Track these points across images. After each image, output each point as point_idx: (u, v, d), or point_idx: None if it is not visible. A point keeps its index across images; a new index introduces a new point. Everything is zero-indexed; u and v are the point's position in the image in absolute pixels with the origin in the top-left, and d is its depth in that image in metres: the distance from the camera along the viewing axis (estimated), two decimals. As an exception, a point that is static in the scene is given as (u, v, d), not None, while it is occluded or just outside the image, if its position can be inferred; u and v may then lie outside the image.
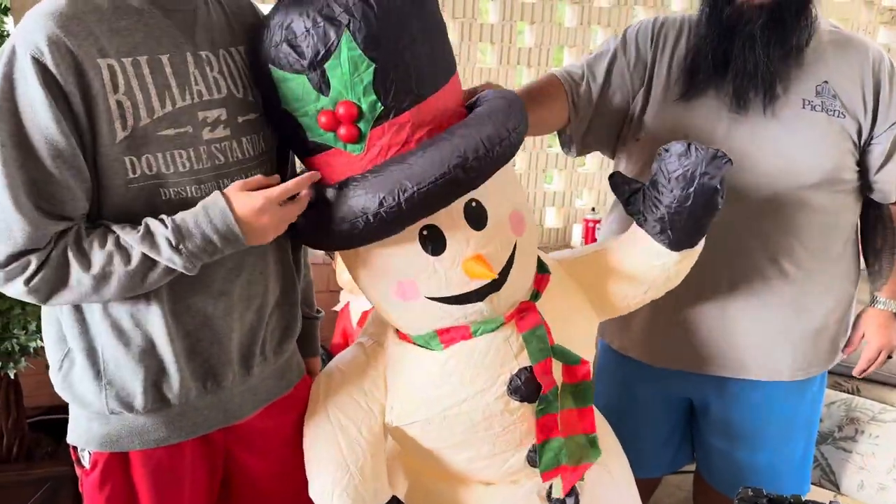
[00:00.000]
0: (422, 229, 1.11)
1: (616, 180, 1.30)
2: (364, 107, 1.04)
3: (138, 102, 0.97)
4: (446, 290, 1.14)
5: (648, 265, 1.28)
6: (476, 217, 1.13)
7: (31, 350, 1.82)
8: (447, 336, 1.20)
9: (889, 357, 1.52)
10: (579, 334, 1.30)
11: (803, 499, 1.22)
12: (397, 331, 1.27)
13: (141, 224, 0.98)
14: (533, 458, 1.27)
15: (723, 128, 1.39)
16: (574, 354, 1.24)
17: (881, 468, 1.90)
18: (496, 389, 1.20)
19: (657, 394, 1.61)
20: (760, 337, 1.48)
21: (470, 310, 1.16)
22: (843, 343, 1.55)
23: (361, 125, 1.06)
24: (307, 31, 1.01)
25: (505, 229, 1.17)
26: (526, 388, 1.20)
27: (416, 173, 1.04)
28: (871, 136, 1.39)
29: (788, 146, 1.37)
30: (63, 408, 1.14)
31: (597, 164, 2.95)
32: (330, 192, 1.09)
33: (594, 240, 2.92)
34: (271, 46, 1.05)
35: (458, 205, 1.11)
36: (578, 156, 1.65)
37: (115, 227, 0.98)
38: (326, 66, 1.02)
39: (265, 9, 1.18)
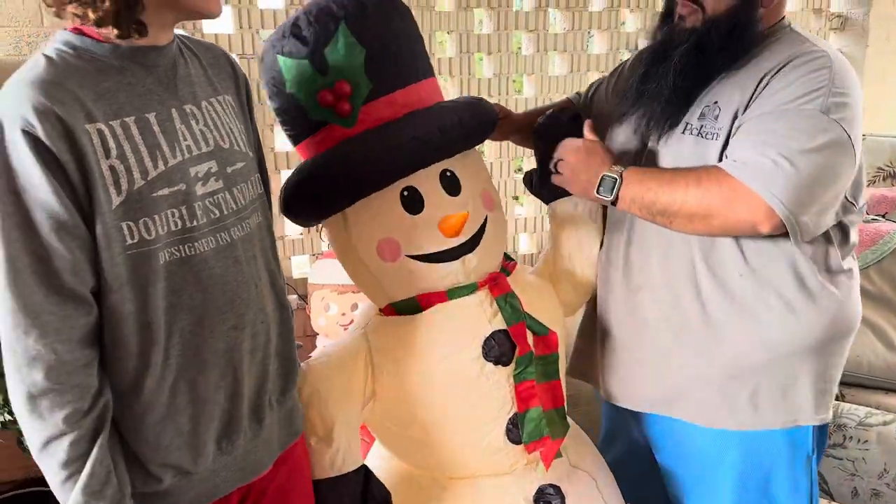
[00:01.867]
0: (403, 190, 1.26)
1: (525, 176, 1.49)
2: (356, 85, 1.23)
3: (131, 166, 0.95)
4: (425, 247, 1.28)
5: (557, 230, 1.48)
6: (451, 185, 1.30)
7: (0, 424, 1.76)
8: (426, 300, 1.32)
9: (556, 170, 1.36)
10: (546, 315, 1.41)
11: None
12: (381, 310, 1.38)
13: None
14: (511, 432, 1.34)
15: (635, 152, 1.39)
16: (543, 325, 1.36)
17: (873, 473, 1.89)
18: (471, 351, 1.30)
19: (625, 434, 1.60)
20: (656, 372, 1.42)
21: (445, 270, 1.29)
22: (807, 401, 1.36)
23: (354, 101, 1.24)
24: (310, 23, 1.22)
25: (477, 201, 1.33)
26: (500, 348, 1.30)
27: (402, 132, 1.22)
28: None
29: None
30: (39, 480, 1.09)
31: (566, 188, 2.95)
32: (324, 156, 1.25)
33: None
34: (280, 39, 1.24)
35: (435, 171, 1.29)
36: None
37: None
38: (326, 50, 1.21)
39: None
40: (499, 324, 1.32)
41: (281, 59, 1.25)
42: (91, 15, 0.92)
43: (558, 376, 1.40)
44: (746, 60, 1.28)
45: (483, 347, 1.30)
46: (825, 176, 1.19)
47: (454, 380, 1.31)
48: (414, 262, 1.28)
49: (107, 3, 0.91)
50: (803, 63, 1.23)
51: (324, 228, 1.41)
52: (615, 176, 1.28)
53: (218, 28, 2.26)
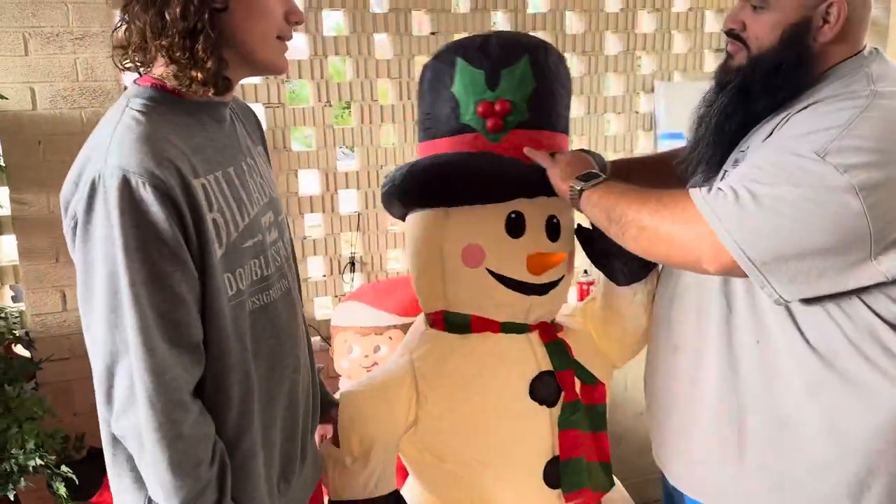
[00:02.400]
0: (511, 212, 1.30)
1: (577, 230, 1.43)
2: (516, 109, 1.31)
3: (227, 219, 0.97)
4: (506, 269, 1.31)
5: (612, 301, 1.44)
6: (553, 230, 1.35)
7: (31, 468, 1.79)
8: (479, 325, 1.34)
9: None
10: (594, 366, 1.41)
11: None
12: (430, 323, 1.41)
13: None
14: (549, 476, 1.33)
15: None
16: (592, 374, 1.36)
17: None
18: (518, 388, 1.32)
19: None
20: (680, 446, 1.30)
21: (511, 298, 1.32)
22: None
23: (507, 121, 1.32)
24: (500, 45, 1.32)
25: (564, 257, 1.36)
26: (546, 389, 1.31)
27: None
28: None
29: None
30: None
31: (585, 227, 2.97)
32: (466, 155, 1.32)
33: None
34: (465, 46, 1.34)
35: (545, 212, 1.34)
36: None
37: None
38: (504, 71, 1.31)
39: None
40: (547, 366, 1.34)
41: (460, 60, 1.32)
42: (199, 76, 0.93)
43: (605, 429, 1.39)
44: (794, 102, 1.14)
45: (531, 385, 1.32)
46: (797, 222, 1.01)
47: (498, 414, 1.32)
48: (490, 276, 1.32)
49: (209, 63, 0.93)
50: (832, 102, 1.08)
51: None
52: (601, 175, 1.24)
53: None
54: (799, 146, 1.03)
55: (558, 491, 1.35)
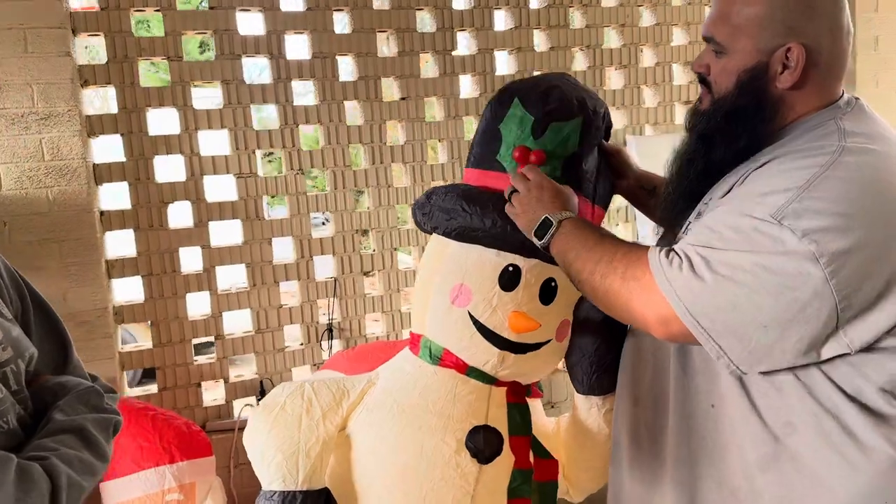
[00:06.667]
0: (510, 265, 1.28)
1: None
2: (550, 164, 1.28)
3: None
4: (486, 319, 1.28)
5: (575, 408, 1.43)
6: (546, 293, 1.30)
7: None
8: (447, 360, 1.32)
9: (509, 199, 1.26)
10: (549, 447, 1.40)
11: None
12: (411, 343, 1.40)
13: None
14: None
15: None
16: (547, 450, 1.34)
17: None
18: (456, 432, 1.29)
19: None
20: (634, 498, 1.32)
21: (483, 348, 1.29)
22: None
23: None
24: (561, 100, 1.28)
25: (554, 322, 1.32)
26: (483, 442, 1.29)
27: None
28: None
29: None
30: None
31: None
32: (485, 194, 1.30)
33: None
34: (529, 90, 1.30)
35: (545, 274, 1.29)
36: None
37: None
38: (552, 125, 1.27)
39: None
40: (495, 423, 1.31)
41: (517, 101, 1.29)
42: None
43: None
44: (757, 156, 1.07)
45: (469, 433, 1.29)
46: (755, 292, 0.95)
47: (428, 447, 1.29)
48: (468, 320, 1.29)
49: None
50: (794, 159, 1.01)
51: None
52: (554, 221, 1.17)
53: (215, 150, 2.33)
54: (755, 208, 0.97)
55: None
